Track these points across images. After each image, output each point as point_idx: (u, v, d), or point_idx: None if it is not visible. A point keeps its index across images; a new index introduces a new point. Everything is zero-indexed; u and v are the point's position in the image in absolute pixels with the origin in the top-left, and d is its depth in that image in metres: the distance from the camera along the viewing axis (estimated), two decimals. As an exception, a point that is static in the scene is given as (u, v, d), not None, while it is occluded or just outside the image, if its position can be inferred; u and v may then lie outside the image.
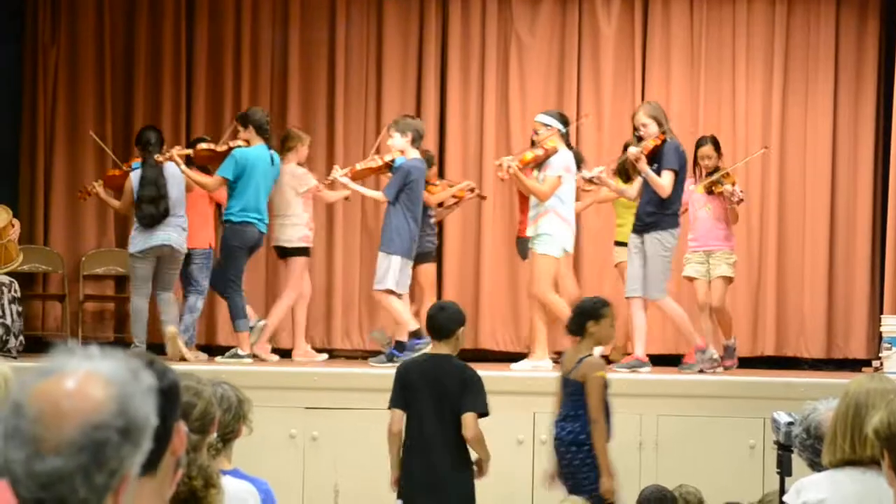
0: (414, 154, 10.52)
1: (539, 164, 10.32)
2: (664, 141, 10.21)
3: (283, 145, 11.03)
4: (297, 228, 10.88)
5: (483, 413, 7.21)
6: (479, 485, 7.63)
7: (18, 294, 10.00)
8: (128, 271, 10.94)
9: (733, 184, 10.66)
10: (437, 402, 7.22)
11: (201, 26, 12.44)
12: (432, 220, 11.27)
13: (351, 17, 12.55)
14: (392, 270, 10.30)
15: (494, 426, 8.95)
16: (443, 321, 7.37)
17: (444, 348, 7.38)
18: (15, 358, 9.48)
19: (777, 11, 12.49)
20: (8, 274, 10.04)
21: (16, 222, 10.12)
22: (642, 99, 12.51)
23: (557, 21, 12.60)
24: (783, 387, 9.45)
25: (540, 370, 9.94)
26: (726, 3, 12.53)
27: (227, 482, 4.25)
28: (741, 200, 10.74)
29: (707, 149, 10.81)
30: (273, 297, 11.62)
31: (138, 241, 10.46)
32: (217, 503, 3.91)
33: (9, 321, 9.83)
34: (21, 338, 9.97)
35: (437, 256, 11.84)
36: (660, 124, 10.28)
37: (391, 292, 10.36)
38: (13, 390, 2.11)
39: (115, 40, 12.35)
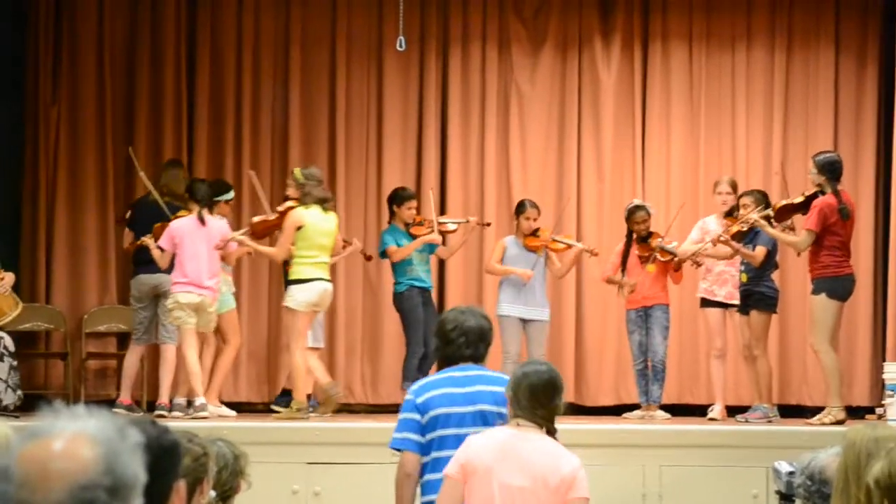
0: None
1: None
2: None
3: None
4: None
5: None
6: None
7: (12, 349, 9.92)
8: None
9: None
10: None
11: (202, 82, 12.48)
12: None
13: (351, 70, 12.58)
14: None
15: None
16: None
17: None
18: (17, 417, 9.42)
19: (776, 58, 12.52)
20: (1, 329, 9.98)
21: (7, 275, 10.02)
22: (643, 147, 12.54)
23: (557, 71, 12.63)
24: (786, 435, 9.42)
25: None
26: (725, 51, 12.56)
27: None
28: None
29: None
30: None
31: None
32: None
33: None
34: (19, 392, 9.90)
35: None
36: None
37: None
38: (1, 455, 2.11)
39: (116, 98, 12.38)
